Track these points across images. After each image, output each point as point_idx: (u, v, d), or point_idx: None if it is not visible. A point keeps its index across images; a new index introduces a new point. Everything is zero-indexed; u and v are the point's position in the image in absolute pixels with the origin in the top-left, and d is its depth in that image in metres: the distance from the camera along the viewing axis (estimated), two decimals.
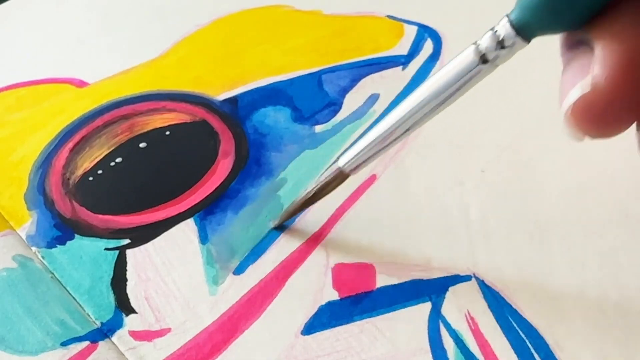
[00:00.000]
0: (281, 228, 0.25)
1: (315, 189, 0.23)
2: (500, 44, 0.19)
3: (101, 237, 0.25)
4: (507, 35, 0.18)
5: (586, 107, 0.18)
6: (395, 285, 0.23)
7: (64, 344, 0.22)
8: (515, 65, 0.29)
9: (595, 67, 0.17)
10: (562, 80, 0.19)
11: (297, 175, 0.26)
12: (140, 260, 0.24)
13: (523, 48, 0.19)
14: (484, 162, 0.26)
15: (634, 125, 0.19)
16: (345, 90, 0.30)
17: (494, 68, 0.19)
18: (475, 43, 0.19)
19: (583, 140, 0.19)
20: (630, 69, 0.17)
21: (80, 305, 0.23)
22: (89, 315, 0.23)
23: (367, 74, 0.30)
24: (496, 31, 0.19)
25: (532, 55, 0.29)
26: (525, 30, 0.18)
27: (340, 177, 0.23)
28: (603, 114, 0.18)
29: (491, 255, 0.23)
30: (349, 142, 0.27)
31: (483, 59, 0.19)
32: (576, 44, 0.19)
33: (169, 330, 0.22)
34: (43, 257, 0.25)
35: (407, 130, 0.21)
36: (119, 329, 0.22)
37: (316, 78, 0.30)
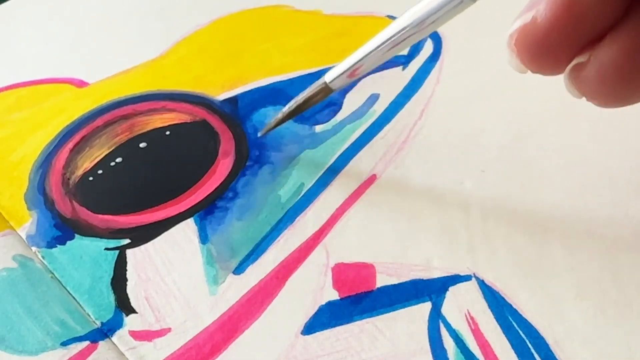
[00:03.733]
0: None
1: (300, 100, 0.25)
2: None
3: (101, 237, 0.25)
4: None
5: (524, 37, 0.19)
6: (395, 285, 0.23)
7: (64, 343, 0.22)
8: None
9: (541, 2, 0.19)
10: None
11: (297, 175, 0.26)
12: (140, 260, 0.24)
13: None
14: (484, 162, 0.26)
15: None
16: (345, 90, 0.30)
17: (472, 2, 0.21)
18: None
19: (525, 72, 0.20)
20: (568, 6, 0.18)
21: (80, 305, 0.23)
22: (89, 315, 0.23)
23: (368, 74, 0.30)
24: None
25: None
26: None
27: (324, 91, 0.25)
28: (539, 46, 0.19)
29: (491, 255, 0.23)
30: (349, 142, 0.27)
31: None
32: None
33: (169, 330, 0.22)
34: (43, 257, 0.25)
35: (388, 52, 0.23)
36: (119, 328, 0.22)
37: (316, 78, 0.30)
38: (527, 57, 0.20)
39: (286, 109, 0.26)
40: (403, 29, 0.22)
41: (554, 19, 0.19)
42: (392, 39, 0.22)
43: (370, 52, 0.23)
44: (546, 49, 0.19)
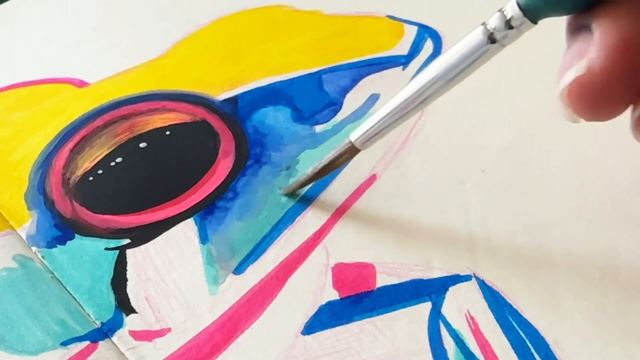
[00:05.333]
0: (298, 198, 0.25)
1: (325, 161, 0.24)
2: (508, 24, 0.19)
3: (101, 237, 0.25)
4: (515, 15, 0.19)
5: (580, 88, 0.18)
6: (395, 285, 0.23)
7: (64, 343, 0.22)
8: (515, 65, 0.29)
9: (591, 50, 0.18)
10: (561, 63, 0.19)
11: (297, 175, 0.26)
12: (140, 260, 0.24)
13: (530, 29, 0.19)
14: (484, 162, 0.26)
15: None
16: (345, 90, 0.30)
17: (501, 48, 0.20)
18: (483, 23, 0.20)
19: (578, 122, 0.19)
20: (625, 53, 0.17)
21: (80, 305, 0.23)
22: (89, 315, 0.23)
23: (367, 74, 0.30)
24: (504, 11, 0.19)
25: (532, 55, 0.29)
26: (531, 11, 0.19)
27: (350, 151, 0.23)
28: (597, 96, 0.18)
29: (491, 255, 0.23)
30: None
31: (491, 39, 0.19)
32: (579, 29, 0.19)
33: (169, 330, 0.22)
34: (43, 257, 0.25)
35: (416, 107, 0.22)
36: (119, 328, 0.22)
37: (316, 78, 0.30)
38: (584, 109, 0.18)
39: (310, 170, 0.25)
40: (426, 85, 0.21)
41: (611, 67, 0.17)
42: (417, 95, 0.21)
43: (395, 108, 0.22)
44: (604, 99, 0.18)
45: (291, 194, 0.26)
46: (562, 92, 0.18)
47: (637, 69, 0.17)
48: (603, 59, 0.17)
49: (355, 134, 0.23)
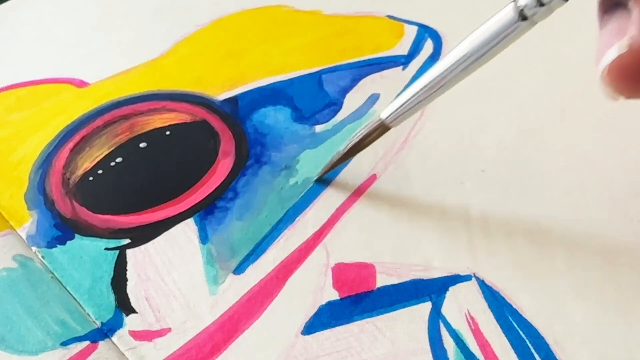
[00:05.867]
0: (323, 181, 0.26)
1: (356, 139, 0.24)
2: (539, 1, 0.19)
3: (101, 237, 0.25)
4: None
5: (622, 67, 0.18)
6: (395, 285, 0.23)
7: (64, 343, 0.22)
8: (515, 65, 0.29)
9: (632, 28, 0.18)
10: (599, 42, 0.19)
11: (297, 174, 0.26)
12: (140, 260, 0.24)
13: (561, 6, 0.19)
14: (484, 162, 0.26)
15: None
16: (345, 90, 0.30)
17: (532, 26, 0.20)
18: (513, 0, 0.20)
19: (618, 100, 0.19)
20: None
21: (80, 305, 0.23)
22: (89, 315, 0.23)
23: (367, 74, 0.30)
24: None
25: (532, 55, 0.29)
26: None
27: (381, 128, 0.24)
28: (639, 74, 0.18)
29: (491, 255, 0.23)
30: None
31: (522, 16, 0.19)
32: (613, 7, 0.19)
33: (169, 330, 0.22)
34: (43, 257, 0.25)
35: (446, 84, 0.22)
36: (119, 328, 0.22)
37: (316, 78, 0.30)
38: (626, 87, 0.18)
39: (342, 148, 0.25)
40: (457, 62, 0.21)
41: None
42: (446, 73, 0.22)
43: (426, 86, 0.22)
44: None
45: (321, 178, 0.26)
46: (603, 71, 0.18)
47: None
48: None
49: (386, 112, 0.23)
